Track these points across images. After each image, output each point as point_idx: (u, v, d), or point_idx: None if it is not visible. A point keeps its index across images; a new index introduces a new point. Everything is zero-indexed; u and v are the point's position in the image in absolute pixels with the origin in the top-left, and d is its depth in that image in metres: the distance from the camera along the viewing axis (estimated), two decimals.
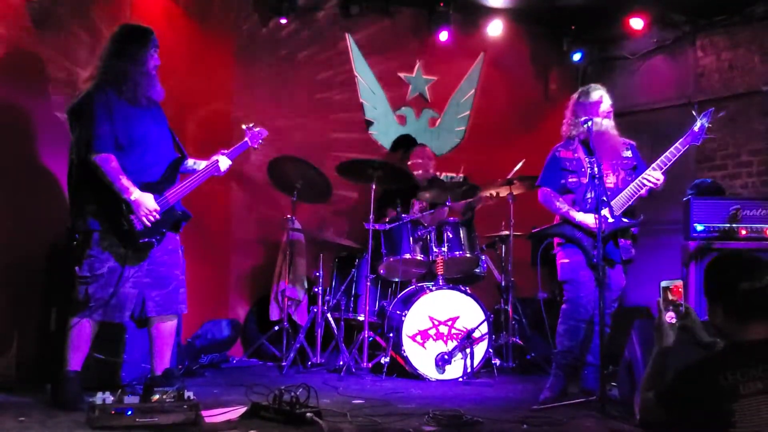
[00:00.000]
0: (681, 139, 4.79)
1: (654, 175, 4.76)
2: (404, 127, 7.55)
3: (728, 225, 5.30)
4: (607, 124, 4.94)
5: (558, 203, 4.97)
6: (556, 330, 4.94)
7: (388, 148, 7.42)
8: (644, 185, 4.79)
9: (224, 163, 4.63)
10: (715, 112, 4.86)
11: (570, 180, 4.97)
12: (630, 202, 4.84)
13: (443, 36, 7.43)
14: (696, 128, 4.78)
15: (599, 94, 4.99)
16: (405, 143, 7.37)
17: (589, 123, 4.75)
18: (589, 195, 4.82)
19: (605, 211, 4.67)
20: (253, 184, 6.67)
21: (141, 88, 4.30)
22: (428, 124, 7.67)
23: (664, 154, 4.77)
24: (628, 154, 5.04)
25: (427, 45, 7.58)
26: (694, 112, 4.88)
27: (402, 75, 7.57)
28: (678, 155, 4.77)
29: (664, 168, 4.77)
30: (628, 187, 4.84)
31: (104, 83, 4.25)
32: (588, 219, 4.78)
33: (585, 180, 4.89)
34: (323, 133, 7.12)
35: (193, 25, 6.43)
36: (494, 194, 6.15)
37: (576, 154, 4.97)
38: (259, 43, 6.90)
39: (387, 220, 6.12)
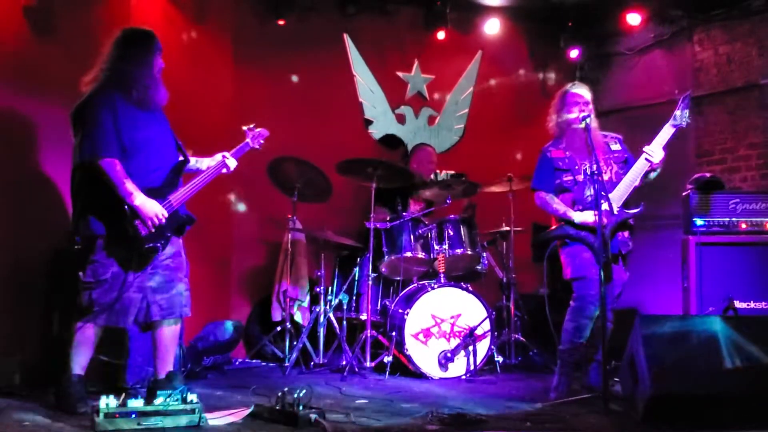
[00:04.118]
0: (666, 125, 4.74)
1: (653, 149, 4.69)
2: (403, 125, 7.57)
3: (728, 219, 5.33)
4: (594, 121, 4.89)
5: (555, 205, 4.88)
6: (562, 327, 4.81)
7: (382, 147, 7.44)
8: (647, 163, 4.69)
9: (232, 162, 4.63)
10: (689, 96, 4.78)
11: (565, 179, 4.89)
12: (629, 192, 4.74)
13: (441, 35, 7.44)
14: (677, 115, 4.70)
15: (583, 91, 4.98)
16: (397, 143, 7.39)
17: (587, 120, 4.73)
18: (588, 192, 4.77)
19: (605, 206, 4.54)
20: (254, 184, 6.67)
21: (151, 92, 4.28)
22: (427, 123, 7.69)
23: (658, 135, 4.74)
24: (617, 147, 5.01)
25: (424, 44, 7.60)
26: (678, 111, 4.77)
27: (400, 74, 7.59)
28: (671, 135, 4.71)
29: (663, 143, 4.70)
30: (628, 174, 4.76)
31: (108, 86, 4.20)
32: (589, 217, 4.68)
33: (580, 178, 4.84)
34: (322, 132, 7.11)
35: (192, 27, 6.44)
36: None
37: (568, 152, 4.92)
38: (257, 44, 6.91)
39: (388, 219, 6.12)
